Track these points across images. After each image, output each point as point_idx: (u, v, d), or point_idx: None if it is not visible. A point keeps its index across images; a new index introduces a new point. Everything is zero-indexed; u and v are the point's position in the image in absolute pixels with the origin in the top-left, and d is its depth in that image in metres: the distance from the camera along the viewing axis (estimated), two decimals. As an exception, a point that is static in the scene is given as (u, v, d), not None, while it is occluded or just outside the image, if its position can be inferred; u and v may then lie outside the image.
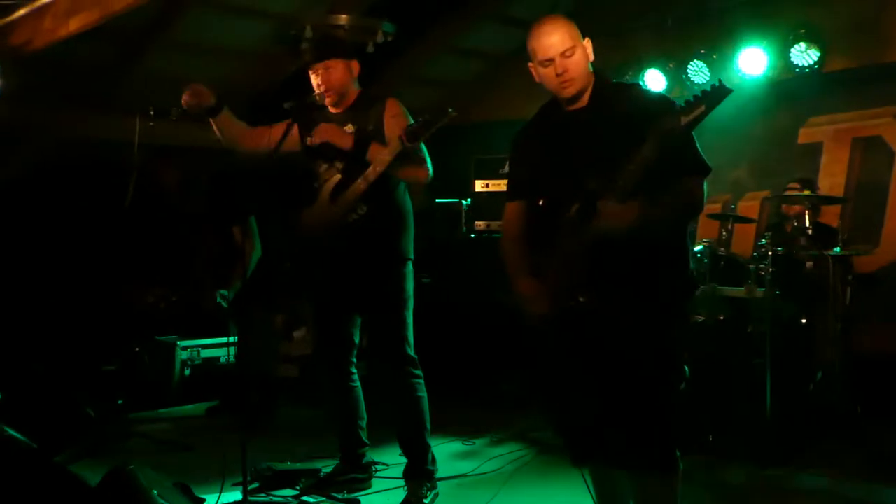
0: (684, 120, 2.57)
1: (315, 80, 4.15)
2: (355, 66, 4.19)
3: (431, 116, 3.79)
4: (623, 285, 2.83)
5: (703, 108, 2.55)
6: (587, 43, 3.02)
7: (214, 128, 4.25)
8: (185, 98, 4.10)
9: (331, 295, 4.30)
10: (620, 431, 2.88)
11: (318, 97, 4.13)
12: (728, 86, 2.56)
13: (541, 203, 3.05)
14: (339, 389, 4.38)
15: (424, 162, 4.06)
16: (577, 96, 3.00)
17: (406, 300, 4.19)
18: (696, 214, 3.12)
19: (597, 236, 2.76)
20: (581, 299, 2.85)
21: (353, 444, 4.40)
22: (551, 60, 2.94)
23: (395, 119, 4.03)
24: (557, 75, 2.95)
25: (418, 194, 4.27)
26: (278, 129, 4.14)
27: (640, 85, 3.53)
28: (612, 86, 3.12)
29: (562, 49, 2.93)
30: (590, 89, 3.03)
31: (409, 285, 4.21)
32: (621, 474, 3.06)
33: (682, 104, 2.60)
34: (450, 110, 3.79)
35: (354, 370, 4.40)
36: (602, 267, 2.81)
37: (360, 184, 3.98)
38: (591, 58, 3.02)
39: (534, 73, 3.04)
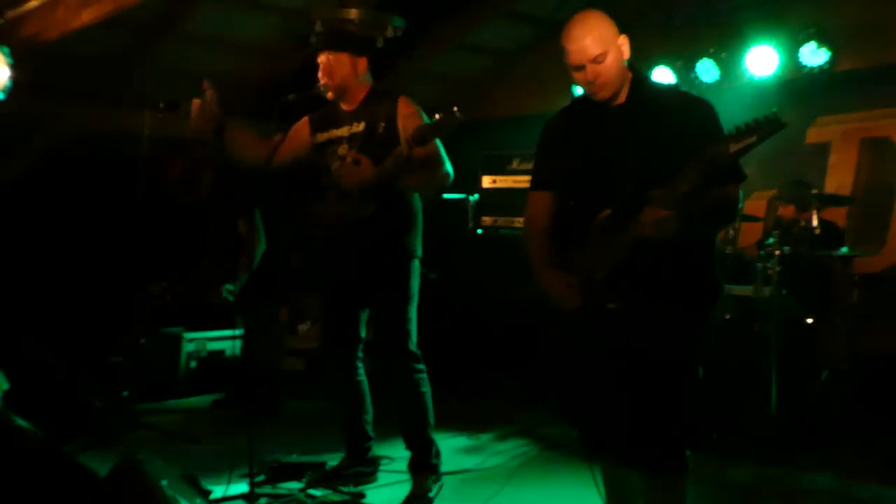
0: (733, 148, 2.52)
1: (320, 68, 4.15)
2: (362, 63, 4.14)
3: (441, 120, 3.59)
4: (651, 292, 2.81)
5: (753, 138, 2.50)
6: (623, 40, 2.92)
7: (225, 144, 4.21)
8: (192, 113, 4.08)
9: (337, 290, 4.31)
10: (634, 430, 2.87)
11: (322, 88, 4.11)
12: (782, 120, 2.50)
13: (571, 202, 3.00)
14: (344, 384, 4.38)
15: (441, 163, 3.93)
16: (612, 97, 2.94)
17: (411, 297, 4.16)
18: (732, 221, 3.12)
19: (630, 243, 2.72)
20: (610, 306, 2.82)
21: (358, 437, 4.41)
22: (582, 67, 2.88)
23: (408, 119, 3.94)
24: (588, 82, 2.90)
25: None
26: (292, 134, 4.22)
27: (679, 87, 3.47)
28: (651, 86, 3.04)
29: (592, 56, 2.85)
30: (627, 86, 2.95)
31: (415, 282, 4.19)
32: (631, 471, 3.05)
33: (734, 130, 2.55)
34: (456, 111, 3.53)
35: (360, 364, 4.39)
36: (631, 273, 2.77)
37: (363, 184, 3.92)
38: (627, 55, 2.93)
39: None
